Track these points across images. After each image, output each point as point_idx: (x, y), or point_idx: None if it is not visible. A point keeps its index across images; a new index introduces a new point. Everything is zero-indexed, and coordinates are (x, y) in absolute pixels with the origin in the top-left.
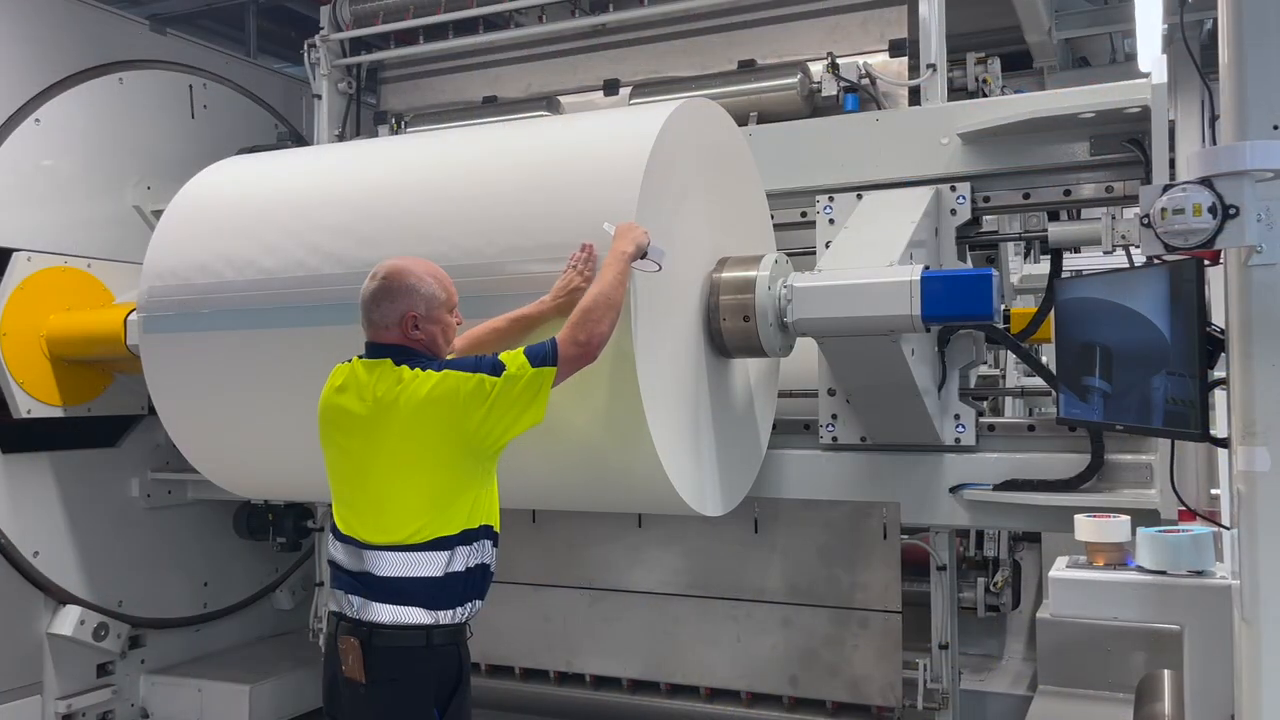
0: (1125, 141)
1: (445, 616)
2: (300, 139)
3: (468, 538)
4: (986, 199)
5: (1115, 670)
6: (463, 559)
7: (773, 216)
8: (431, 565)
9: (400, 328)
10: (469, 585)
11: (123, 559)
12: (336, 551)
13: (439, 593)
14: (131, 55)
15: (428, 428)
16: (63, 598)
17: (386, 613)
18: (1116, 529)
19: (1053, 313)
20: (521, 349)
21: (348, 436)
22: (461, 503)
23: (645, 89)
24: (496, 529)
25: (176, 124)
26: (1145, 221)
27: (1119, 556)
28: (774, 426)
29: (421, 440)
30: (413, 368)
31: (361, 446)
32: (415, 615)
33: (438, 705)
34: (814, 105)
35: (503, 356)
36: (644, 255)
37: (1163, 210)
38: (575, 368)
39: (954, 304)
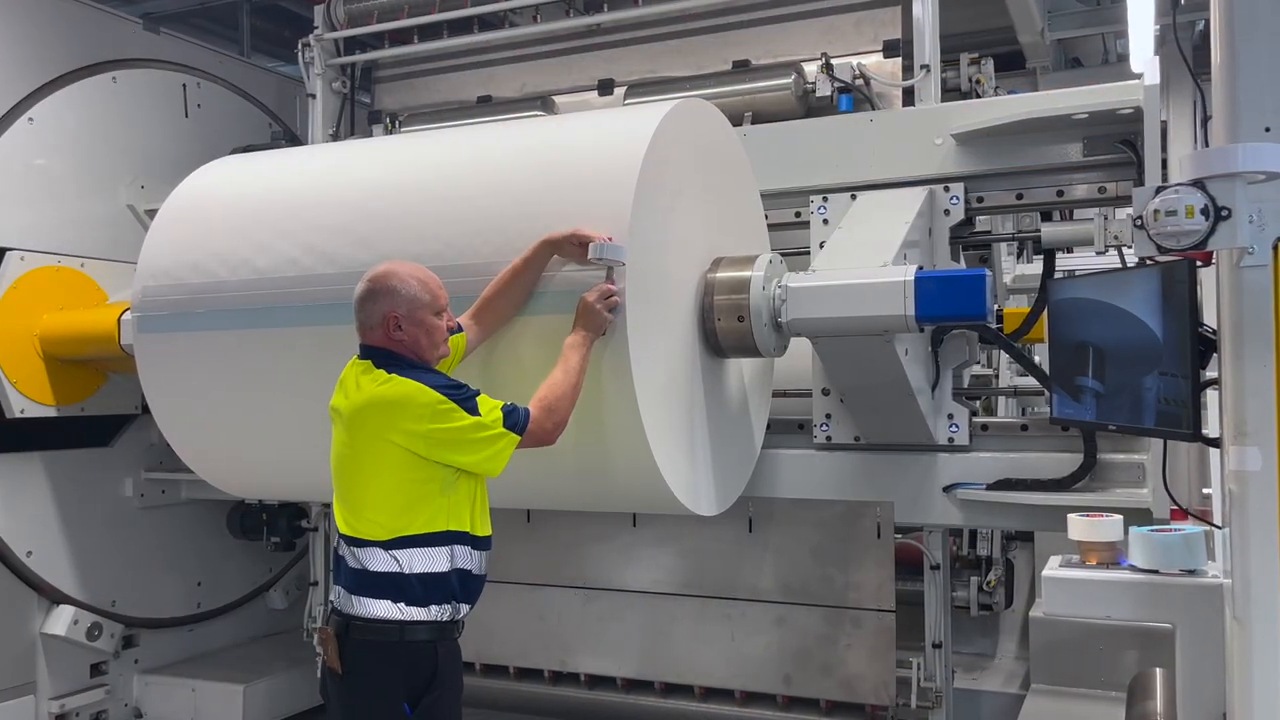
0: (1118, 142)
1: (418, 613)
2: (294, 138)
3: (432, 540)
4: (980, 199)
5: (1108, 669)
6: (427, 560)
7: (767, 216)
8: (392, 562)
9: (383, 329)
10: (442, 586)
11: (116, 559)
12: (337, 543)
13: (404, 589)
14: (125, 54)
15: (382, 430)
16: (56, 597)
17: (359, 605)
18: (1109, 528)
19: (1045, 313)
20: (501, 404)
21: (337, 431)
22: (422, 506)
23: (640, 89)
24: (477, 534)
25: (170, 123)
26: (1138, 223)
27: (1111, 556)
28: (768, 426)
29: (376, 441)
30: (389, 371)
31: (344, 442)
32: (384, 609)
33: (410, 701)
34: (808, 106)
35: (483, 400)
36: (599, 257)
37: (1155, 212)
38: (532, 444)
39: (947, 304)
